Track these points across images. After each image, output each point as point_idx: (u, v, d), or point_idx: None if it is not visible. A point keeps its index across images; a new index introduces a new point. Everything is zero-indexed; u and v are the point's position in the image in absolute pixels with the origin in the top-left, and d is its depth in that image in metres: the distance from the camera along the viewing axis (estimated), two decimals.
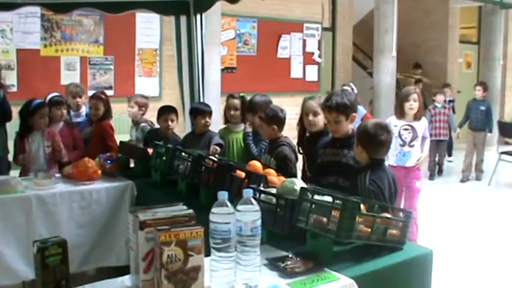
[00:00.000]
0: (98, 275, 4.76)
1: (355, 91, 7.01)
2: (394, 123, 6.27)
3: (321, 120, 4.54)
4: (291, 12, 11.54)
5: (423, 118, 6.47)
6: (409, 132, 6.28)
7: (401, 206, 5.48)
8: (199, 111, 5.74)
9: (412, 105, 6.23)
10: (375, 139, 3.60)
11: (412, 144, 6.27)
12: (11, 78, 8.29)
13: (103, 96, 6.25)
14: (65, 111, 5.97)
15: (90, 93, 6.85)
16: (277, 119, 4.77)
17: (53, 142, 5.51)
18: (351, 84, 7.03)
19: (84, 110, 6.60)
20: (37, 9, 8.26)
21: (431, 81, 13.41)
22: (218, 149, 5.43)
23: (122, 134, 6.50)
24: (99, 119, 6.17)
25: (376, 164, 3.60)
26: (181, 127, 6.55)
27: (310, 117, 4.59)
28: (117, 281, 2.54)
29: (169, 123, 5.86)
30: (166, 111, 5.94)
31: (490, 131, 10.78)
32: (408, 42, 14.31)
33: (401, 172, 5.96)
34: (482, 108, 10.70)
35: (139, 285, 2.37)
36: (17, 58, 8.39)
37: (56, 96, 6.02)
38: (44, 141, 5.49)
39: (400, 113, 6.38)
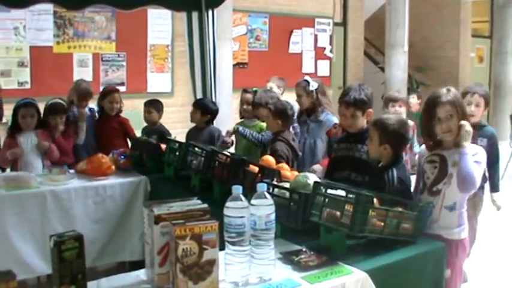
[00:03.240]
0: (112, 269, 4.80)
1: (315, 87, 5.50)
2: (422, 154, 3.66)
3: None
4: (302, 8, 11.54)
5: (472, 146, 3.40)
6: (434, 168, 3.48)
7: None
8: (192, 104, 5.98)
9: (446, 126, 3.37)
10: (403, 137, 3.58)
11: (435, 189, 3.45)
12: (24, 75, 8.36)
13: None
14: (62, 120, 5.55)
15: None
16: (284, 115, 4.83)
17: (40, 143, 5.26)
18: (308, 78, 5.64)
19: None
20: (50, 7, 8.29)
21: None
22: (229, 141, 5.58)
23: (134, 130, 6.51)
24: (116, 113, 6.21)
25: (399, 160, 3.58)
26: None
27: None
28: (133, 275, 2.57)
29: (146, 114, 6.27)
30: (145, 104, 6.34)
31: (495, 188, 4.92)
32: (420, 37, 14.26)
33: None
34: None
35: (155, 278, 2.39)
36: (30, 55, 8.43)
37: (54, 103, 5.65)
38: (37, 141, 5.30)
39: (429, 138, 3.56)
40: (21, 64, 8.37)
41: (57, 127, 5.50)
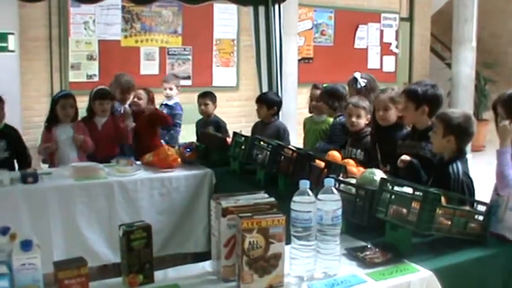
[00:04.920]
0: (175, 260, 4.85)
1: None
2: None
3: (392, 114, 4.34)
4: (368, 2, 11.43)
5: None
6: None
7: None
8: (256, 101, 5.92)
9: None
10: (467, 131, 3.53)
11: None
12: (92, 68, 8.56)
13: None
14: (108, 106, 5.64)
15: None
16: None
17: (75, 136, 5.26)
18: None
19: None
20: (118, 1, 8.49)
21: None
22: None
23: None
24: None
25: (463, 155, 3.54)
26: None
27: (381, 113, 4.36)
28: (199, 266, 2.60)
29: (203, 107, 6.27)
30: (200, 96, 6.35)
31: None
32: (488, 32, 13.91)
33: None
34: None
35: (221, 270, 2.41)
36: (98, 49, 8.63)
37: (100, 89, 5.69)
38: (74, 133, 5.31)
39: None
40: (90, 57, 8.58)
41: (104, 113, 5.59)
